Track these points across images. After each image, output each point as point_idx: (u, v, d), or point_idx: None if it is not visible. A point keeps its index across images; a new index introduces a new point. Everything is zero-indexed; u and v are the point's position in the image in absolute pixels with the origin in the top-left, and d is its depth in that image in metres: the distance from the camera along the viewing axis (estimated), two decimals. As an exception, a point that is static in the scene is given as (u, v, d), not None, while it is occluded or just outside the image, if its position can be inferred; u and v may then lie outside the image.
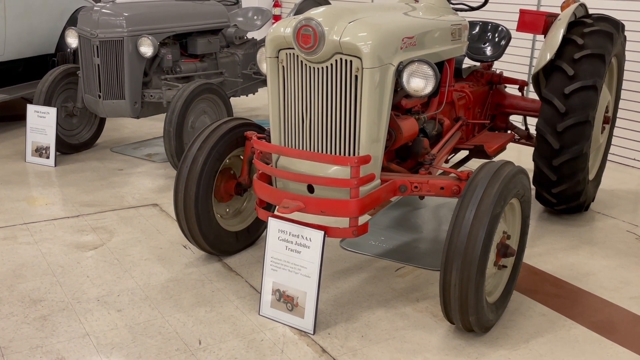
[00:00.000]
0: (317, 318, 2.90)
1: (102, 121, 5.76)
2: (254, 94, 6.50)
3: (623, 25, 4.20)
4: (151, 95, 5.11)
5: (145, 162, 5.43)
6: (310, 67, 2.85)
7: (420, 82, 2.87)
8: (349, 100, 2.74)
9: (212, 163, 3.38)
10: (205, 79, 5.58)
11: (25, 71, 6.30)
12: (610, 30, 4.06)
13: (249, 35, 6.44)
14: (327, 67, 2.81)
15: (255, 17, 6.37)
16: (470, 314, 2.64)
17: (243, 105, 7.62)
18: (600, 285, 3.50)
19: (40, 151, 5.24)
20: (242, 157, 3.57)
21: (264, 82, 6.38)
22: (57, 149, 5.24)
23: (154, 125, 6.27)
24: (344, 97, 2.79)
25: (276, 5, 10.81)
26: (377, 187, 3.00)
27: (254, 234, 3.78)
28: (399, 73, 2.95)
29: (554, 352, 2.83)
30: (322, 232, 2.86)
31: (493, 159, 2.98)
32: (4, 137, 6.11)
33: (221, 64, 5.93)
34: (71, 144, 5.45)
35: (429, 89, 2.86)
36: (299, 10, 6.36)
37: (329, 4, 6.61)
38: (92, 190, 4.69)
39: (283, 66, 2.94)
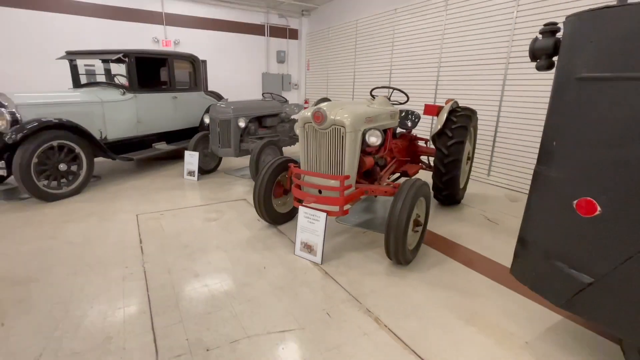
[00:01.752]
0: (323, 256, 2.85)
1: (220, 158, 5.77)
2: (293, 145, 6.34)
3: (475, 111, 4.14)
4: (244, 146, 5.13)
5: (240, 179, 5.45)
6: (319, 131, 2.85)
7: (374, 139, 2.84)
8: (339, 148, 2.75)
9: (272, 178, 3.42)
10: (269, 138, 5.58)
11: (184, 134, 6.33)
12: (469, 114, 4.00)
13: (293, 117, 6.44)
14: (328, 131, 2.80)
15: (295, 108, 6.38)
16: (400, 255, 2.63)
17: (288, 150, 7.64)
18: (467, 241, 3.42)
19: (190, 173, 5.27)
20: (286, 176, 3.54)
21: (297, 141, 6.40)
22: (198, 172, 5.24)
23: (243, 161, 6.29)
24: (337, 146, 2.79)
25: (306, 102, 10.76)
26: (353, 191, 2.97)
27: (292, 214, 3.74)
28: (364, 135, 2.91)
29: (441, 274, 2.76)
30: (325, 214, 2.83)
31: (411, 178, 2.92)
32: (174, 165, 6.19)
33: (278, 131, 5.94)
34: (204, 169, 5.48)
35: (378, 142, 2.82)
36: (316, 104, 6.38)
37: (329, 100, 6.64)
38: (214, 192, 4.73)
39: (306, 131, 2.92)
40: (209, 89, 9.31)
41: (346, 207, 2.81)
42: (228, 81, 9.81)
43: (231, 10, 9.60)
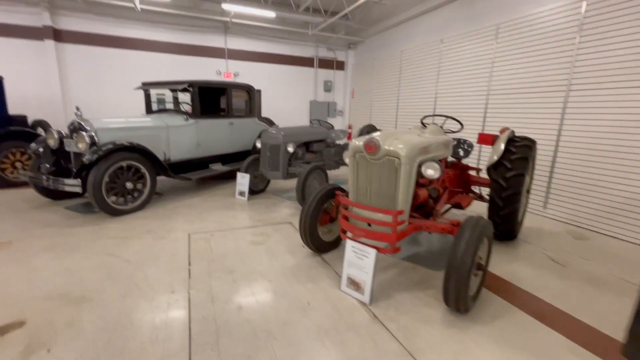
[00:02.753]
0: (371, 296, 2.42)
1: (269, 180, 5.61)
2: (337, 169, 5.99)
3: (535, 141, 3.55)
4: (292, 170, 4.92)
5: (286, 200, 5.20)
6: (371, 162, 2.47)
7: (432, 172, 2.40)
8: (392, 180, 2.35)
9: (319, 206, 3.07)
10: (316, 163, 5.33)
11: (238, 156, 6.30)
12: (530, 144, 3.44)
13: (337, 142, 6.15)
14: (381, 162, 2.41)
15: (340, 134, 6.11)
16: (460, 302, 2.11)
17: (332, 173, 7.35)
18: (532, 287, 2.80)
19: (241, 193, 5.14)
20: (332, 203, 3.21)
21: (341, 165, 6.09)
22: (248, 192, 5.12)
23: (289, 183, 6.05)
24: (390, 178, 2.39)
25: (349, 127, 10.50)
26: (406, 227, 2.53)
27: (337, 243, 3.37)
28: (419, 166, 2.49)
29: (509, 329, 2.20)
30: (375, 250, 2.42)
31: (465, 211, 2.44)
32: (227, 185, 6.15)
33: (324, 155, 5.68)
34: (254, 190, 5.34)
35: (436, 176, 2.38)
36: (361, 130, 6.06)
37: (375, 127, 6.28)
38: (262, 213, 4.51)
39: (357, 161, 2.57)
40: (263, 116, 9.43)
41: (398, 244, 2.40)
42: (280, 108, 9.90)
43: (285, 45, 9.78)
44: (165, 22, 8.37)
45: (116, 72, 8.15)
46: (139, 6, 6.94)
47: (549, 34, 4.77)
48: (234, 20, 8.30)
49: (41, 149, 4.56)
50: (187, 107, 6.37)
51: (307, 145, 5.38)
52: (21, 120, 6.19)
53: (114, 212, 4.15)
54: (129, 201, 4.33)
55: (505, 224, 3.37)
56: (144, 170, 4.44)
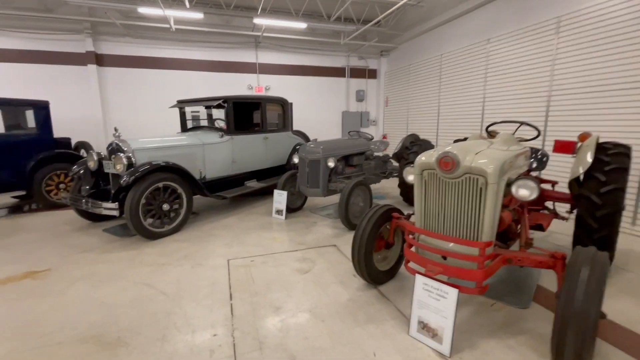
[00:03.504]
0: (452, 346, 1.97)
1: (306, 197, 5.31)
2: (378, 182, 5.60)
3: (630, 147, 2.96)
4: (332, 186, 4.57)
5: (326, 219, 4.85)
6: (446, 181, 2.03)
7: (527, 193, 1.93)
8: (475, 203, 1.90)
9: (374, 231, 2.66)
10: (357, 178, 4.99)
11: (273, 172, 6.08)
12: (626, 152, 2.86)
13: (377, 154, 5.77)
14: (459, 181, 1.97)
15: (380, 145, 5.71)
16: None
17: (374, 188, 6.92)
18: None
19: (278, 212, 4.88)
20: (388, 227, 2.81)
21: (382, 178, 5.67)
22: (286, 210, 4.81)
23: (326, 199, 5.71)
24: (472, 201, 1.94)
25: (384, 137, 10.13)
26: (493, 261, 2.06)
27: (393, 272, 2.95)
28: (508, 185, 2.03)
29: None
30: (457, 290, 1.96)
31: (587, 248, 1.96)
32: (263, 202, 5.93)
33: (364, 169, 5.30)
34: (291, 208, 5.03)
35: (534, 195, 1.91)
36: (404, 141, 5.63)
37: (418, 137, 5.83)
38: (302, 234, 4.17)
39: (425, 180, 2.16)
40: (294, 129, 9.27)
41: (485, 282, 1.96)
42: (311, 120, 9.70)
43: (315, 56, 9.64)
44: (198, 41, 8.52)
45: (153, 92, 8.36)
46: (173, 26, 7.07)
47: (625, 22, 4.14)
48: (265, 34, 8.28)
49: (82, 171, 4.58)
50: (221, 124, 6.29)
51: (346, 159, 5.04)
52: (65, 142, 6.41)
53: (151, 236, 4.00)
54: (165, 223, 4.19)
55: (600, 248, 2.78)
56: (180, 190, 4.30)
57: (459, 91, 7.04)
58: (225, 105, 5.11)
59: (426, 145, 5.35)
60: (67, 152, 5.84)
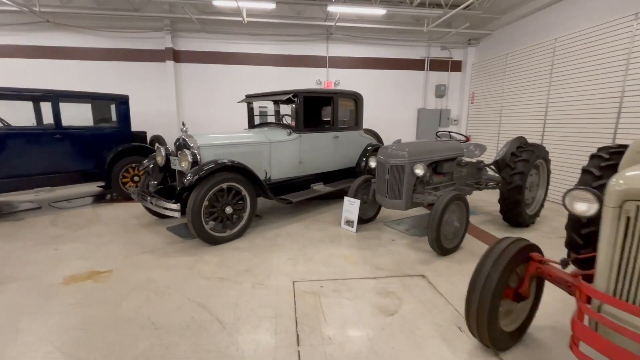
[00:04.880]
0: None
1: (379, 206, 4.59)
2: (470, 194, 4.69)
3: None
4: (417, 198, 3.77)
5: (404, 235, 4.10)
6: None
7: None
8: None
9: (504, 278, 1.82)
10: (445, 188, 4.12)
11: (341, 174, 5.50)
12: None
13: (470, 159, 4.80)
14: None
15: (474, 150, 4.72)
16: None
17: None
18: None
19: (348, 223, 4.24)
20: (520, 272, 1.97)
21: (475, 189, 4.68)
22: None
23: (398, 211, 4.90)
24: None
25: (467, 139, 8.85)
26: None
27: (521, 333, 2.10)
28: None
29: None
30: None
31: None
32: (329, 207, 5.41)
33: (455, 178, 4.38)
34: (362, 218, 4.35)
35: None
36: (510, 146, 4.56)
37: (526, 140, 4.69)
38: (379, 255, 3.49)
39: (628, 217, 1.24)
40: (364, 127, 8.57)
41: None
42: (382, 118, 8.88)
43: (391, 47, 8.78)
44: (268, 34, 8.33)
45: (223, 88, 8.41)
46: (245, 19, 6.91)
47: None
48: (337, 24, 7.71)
49: (151, 166, 4.52)
50: (288, 121, 5.90)
51: (434, 166, 4.20)
52: (141, 136, 6.65)
53: (212, 241, 3.70)
54: (227, 227, 3.86)
55: None
56: (244, 192, 3.94)
57: (579, 84, 5.60)
58: (295, 99, 4.64)
59: (539, 152, 4.22)
60: (143, 146, 6.01)
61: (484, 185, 4.74)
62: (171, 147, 4.32)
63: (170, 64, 8.03)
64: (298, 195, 4.71)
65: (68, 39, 7.76)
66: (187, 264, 3.26)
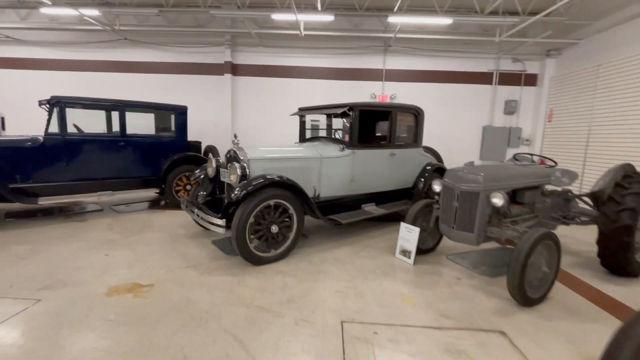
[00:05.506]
0: None
1: (441, 236, 4.02)
2: (554, 229, 3.93)
3: None
4: (492, 232, 3.18)
5: (473, 274, 3.49)
6: None
7: None
8: None
9: None
10: (525, 221, 3.47)
11: (395, 195, 5.03)
12: None
13: (556, 188, 4.05)
14: None
15: (562, 177, 3.97)
16: None
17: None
18: None
19: (404, 253, 3.76)
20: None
21: (562, 224, 3.91)
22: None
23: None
24: None
25: (542, 162, 7.84)
26: None
27: None
28: None
29: None
30: None
31: None
32: (380, 231, 4.97)
33: (537, 209, 3.68)
34: (421, 248, 3.81)
35: None
36: (615, 174, 3.75)
37: (634, 168, 3.84)
38: (444, 299, 2.95)
39: None
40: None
41: None
42: (442, 135, 8.24)
43: (454, 59, 8.19)
44: (323, 47, 8.28)
45: (276, 101, 8.50)
46: (303, 32, 6.89)
47: None
48: (398, 35, 7.37)
49: (202, 176, 4.52)
50: (341, 135, 5.62)
51: (513, 194, 3.56)
52: (196, 146, 6.85)
53: (255, 261, 3.47)
54: (271, 246, 3.62)
55: None
56: (292, 210, 3.69)
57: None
58: (351, 113, 4.35)
59: (656, 184, 3.37)
60: (197, 155, 6.15)
61: (573, 219, 3.95)
62: (223, 158, 4.27)
63: (228, 77, 8.32)
64: (348, 216, 4.35)
65: (141, 54, 8.45)
66: (228, 285, 3.05)
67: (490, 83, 8.17)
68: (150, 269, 3.36)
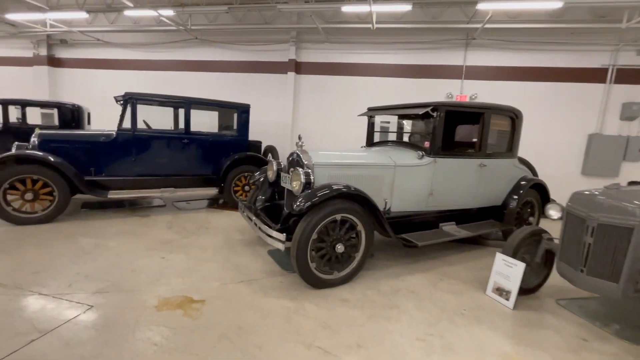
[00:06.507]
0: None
1: (547, 274, 3.15)
2: None
3: None
4: (645, 284, 2.27)
5: (606, 336, 2.62)
6: None
7: None
8: None
9: None
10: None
11: (480, 214, 4.24)
12: None
13: None
14: None
15: None
16: None
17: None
18: None
19: (500, 291, 2.99)
20: None
21: None
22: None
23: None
24: None
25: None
26: None
27: None
28: None
29: None
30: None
31: None
32: (463, 256, 4.17)
33: None
34: (521, 287, 2.96)
35: None
36: None
37: None
38: (570, 371, 2.14)
39: None
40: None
41: None
42: (533, 143, 6.98)
43: (554, 54, 6.89)
44: (395, 42, 7.59)
45: (340, 100, 8.05)
46: (375, 25, 6.32)
47: None
48: (487, 25, 6.40)
49: (261, 179, 4.22)
50: (417, 140, 4.93)
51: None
52: (257, 145, 6.68)
53: (316, 284, 3.01)
54: (334, 268, 3.13)
55: None
56: (360, 226, 3.15)
57: None
58: (435, 114, 3.67)
59: None
60: (256, 156, 5.96)
61: None
62: (283, 160, 3.91)
63: (291, 75, 8.09)
64: (424, 237, 3.67)
65: (209, 53, 8.65)
66: (285, 311, 2.62)
67: (602, 82, 6.69)
68: (202, 281, 3.09)
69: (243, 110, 5.90)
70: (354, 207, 3.08)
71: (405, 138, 5.28)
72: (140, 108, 5.08)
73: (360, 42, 7.78)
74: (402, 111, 4.12)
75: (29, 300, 2.60)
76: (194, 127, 5.45)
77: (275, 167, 3.91)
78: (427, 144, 3.93)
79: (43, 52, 9.84)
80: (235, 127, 6.01)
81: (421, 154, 3.76)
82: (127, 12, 7.48)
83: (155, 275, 3.14)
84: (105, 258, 3.46)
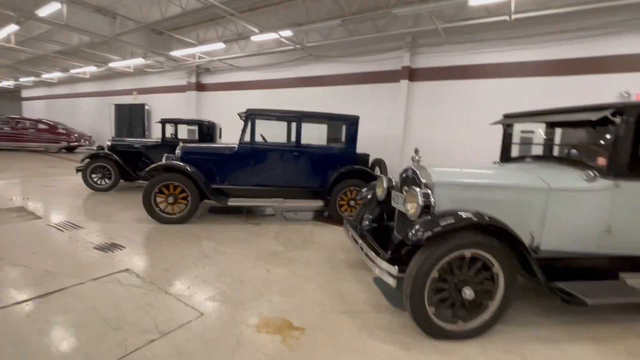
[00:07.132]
0: None
1: None
2: None
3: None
4: None
5: None
6: None
7: None
8: None
9: None
10: None
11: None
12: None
13: None
14: None
15: None
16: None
17: None
18: None
19: None
20: None
21: None
22: None
23: None
24: None
25: None
26: None
27: None
28: None
29: None
30: None
31: None
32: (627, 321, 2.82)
33: None
34: None
35: None
36: None
37: None
38: None
39: None
40: None
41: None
42: None
43: None
44: (538, 35, 6.20)
45: (459, 107, 7.08)
46: (512, 15, 5.25)
47: None
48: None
49: (369, 196, 3.84)
50: (576, 155, 3.72)
51: None
52: (364, 159, 6.37)
53: (433, 333, 2.41)
54: (459, 317, 2.46)
55: None
56: (497, 268, 2.41)
57: None
58: (618, 120, 2.61)
59: None
60: (364, 169, 5.65)
61: None
62: (394, 176, 3.43)
63: (404, 83, 7.56)
64: (595, 290, 2.59)
65: (322, 68, 8.89)
66: (394, 366, 2.13)
67: None
68: (303, 303, 2.87)
69: (351, 123, 5.70)
70: (489, 242, 2.37)
71: (554, 151, 4.07)
72: (259, 123, 5.42)
73: (488, 40, 6.67)
74: (560, 117, 3.12)
75: (158, 297, 2.84)
76: (304, 140, 5.53)
77: (385, 184, 3.48)
78: (600, 161, 2.84)
79: (193, 79, 12.00)
80: (343, 139, 5.85)
81: (592, 174, 2.72)
82: (253, 38, 8.36)
83: (259, 289, 3.09)
84: (220, 264, 3.64)
